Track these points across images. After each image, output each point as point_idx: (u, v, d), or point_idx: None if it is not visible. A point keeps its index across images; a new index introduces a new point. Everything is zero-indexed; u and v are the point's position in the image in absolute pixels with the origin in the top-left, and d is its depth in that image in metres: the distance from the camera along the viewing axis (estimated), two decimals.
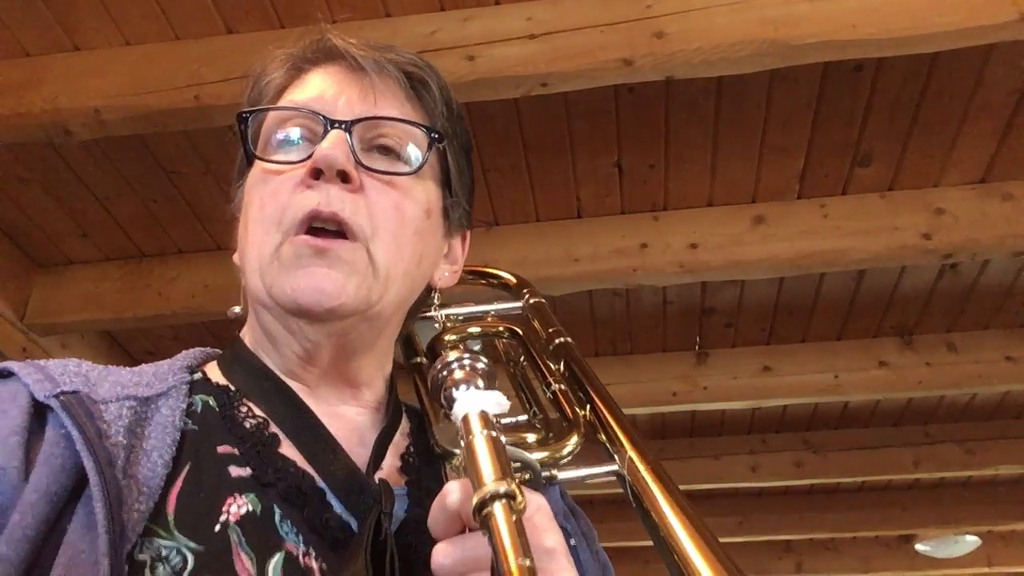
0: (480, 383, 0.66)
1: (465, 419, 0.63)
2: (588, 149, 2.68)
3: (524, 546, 0.53)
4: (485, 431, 0.61)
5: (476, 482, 0.57)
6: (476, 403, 0.64)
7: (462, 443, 0.62)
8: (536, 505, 0.64)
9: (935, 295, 3.22)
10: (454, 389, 0.66)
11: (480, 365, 0.67)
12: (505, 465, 0.59)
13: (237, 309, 0.86)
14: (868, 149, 2.65)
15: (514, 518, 0.55)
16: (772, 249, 2.76)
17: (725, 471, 4.21)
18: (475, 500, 0.56)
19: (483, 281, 1.01)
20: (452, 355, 0.68)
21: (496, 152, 2.69)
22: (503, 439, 0.62)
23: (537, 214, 2.90)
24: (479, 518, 0.56)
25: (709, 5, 2.08)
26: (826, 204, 2.78)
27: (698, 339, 3.48)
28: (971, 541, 4.98)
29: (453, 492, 0.62)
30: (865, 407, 3.98)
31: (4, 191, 2.78)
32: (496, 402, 0.65)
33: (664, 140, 2.65)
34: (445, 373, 0.67)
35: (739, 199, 2.82)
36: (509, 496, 0.56)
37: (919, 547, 5.12)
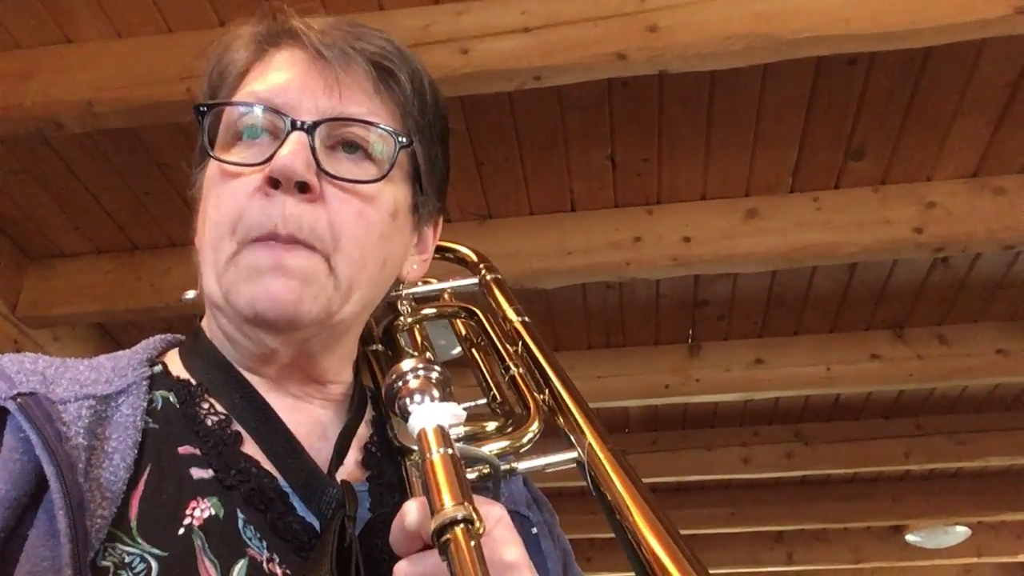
0: (435, 393, 0.65)
1: (421, 435, 0.62)
2: (581, 142, 2.68)
3: (484, 574, 0.53)
4: (441, 449, 0.61)
5: (434, 505, 0.57)
6: (432, 417, 0.63)
7: (420, 461, 0.62)
8: (496, 518, 0.63)
9: (927, 288, 3.23)
10: (408, 401, 0.65)
11: (434, 375, 0.67)
12: (463, 486, 0.58)
13: (192, 294, 0.83)
14: (861, 143, 2.66)
15: (473, 543, 0.55)
16: (765, 242, 2.77)
17: (717, 463, 4.23)
18: (433, 526, 0.56)
19: (438, 255, 0.98)
20: (406, 364, 0.67)
21: (489, 145, 2.68)
22: (459, 450, 0.62)
23: (531, 207, 2.90)
24: (438, 543, 0.56)
25: None
26: (819, 197, 2.79)
27: (691, 332, 3.49)
28: (961, 532, 5.02)
29: (411, 513, 0.62)
30: (856, 399, 4.00)
31: None
32: (452, 414, 0.65)
33: (657, 133, 2.65)
34: (400, 384, 0.66)
35: (732, 192, 2.82)
36: (467, 521, 0.55)
37: (909, 538, 5.15)
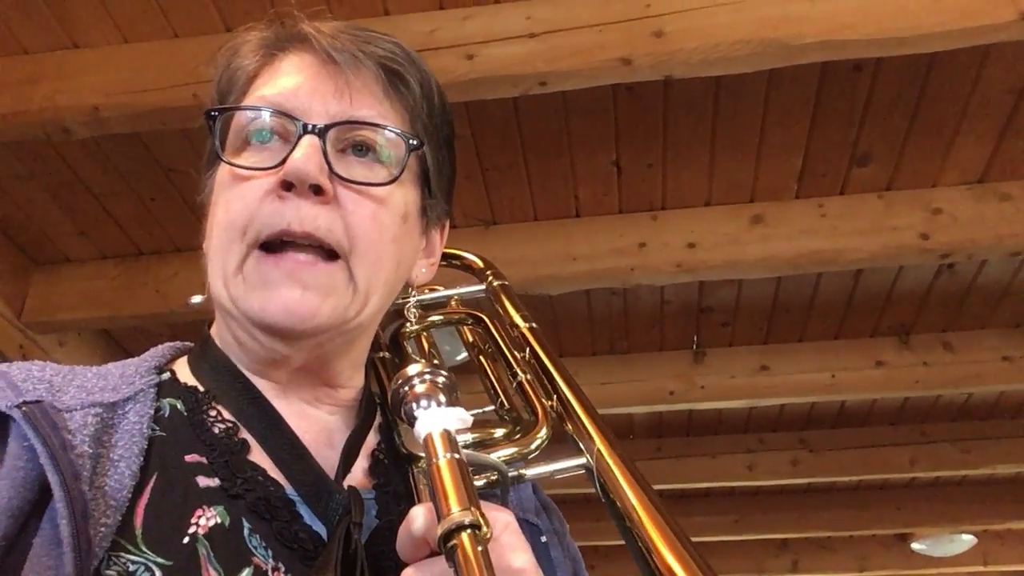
0: (441, 398, 0.65)
1: (428, 441, 0.62)
2: (586, 148, 2.68)
3: None
4: (448, 454, 0.61)
5: (441, 511, 0.57)
6: (438, 422, 0.63)
7: (426, 466, 0.61)
8: (503, 524, 0.63)
9: (932, 295, 3.22)
10: (415, 405, 0.65)
11: (440, 379, 0.66)
12: (470, 492, 0.58)
13: (198, 298, 0.82)
14: (866, 149, 2.65)
15: (480, 548, 0.54)
16: (770, 249, 2.77)
17: (722, 470, 4.22)
18: (440, 531, 0.55)
19: (444, 262, 0.97)
20: (412, 369, 0.67)
21: (494, 151, 2.69)
22: (467, 456, 0.62)
23: (535, 213, 2.90)
24: (445, 549, 0.55)
25: (708, 5, 2.08)
26: (824, 204, 2.79)
27: (695, 338, 3.49)
28: (967, 540, 4.99)
29: (418, 518, 0.61)
30: (862, 406, 3.98)
31: (2, 189, 2.78)
32: (458, 418, 0.64)
33: (662, 139, 2.65)
34: (406, 388, 0.66)
35: (737, 199, 2.82)
36: (474, 526, 0.55)
37: (915, 546, 5.13)
